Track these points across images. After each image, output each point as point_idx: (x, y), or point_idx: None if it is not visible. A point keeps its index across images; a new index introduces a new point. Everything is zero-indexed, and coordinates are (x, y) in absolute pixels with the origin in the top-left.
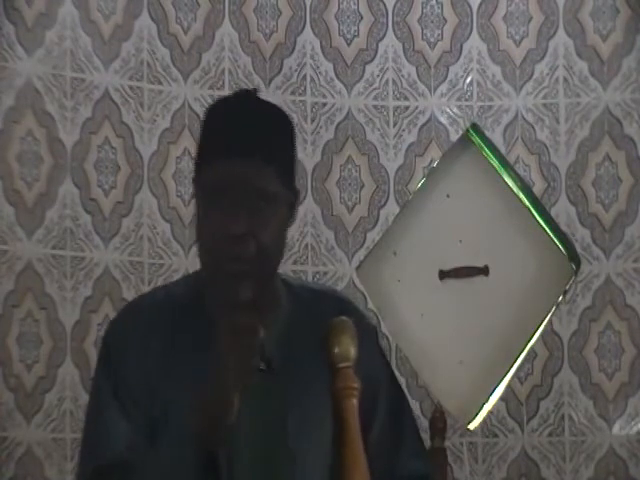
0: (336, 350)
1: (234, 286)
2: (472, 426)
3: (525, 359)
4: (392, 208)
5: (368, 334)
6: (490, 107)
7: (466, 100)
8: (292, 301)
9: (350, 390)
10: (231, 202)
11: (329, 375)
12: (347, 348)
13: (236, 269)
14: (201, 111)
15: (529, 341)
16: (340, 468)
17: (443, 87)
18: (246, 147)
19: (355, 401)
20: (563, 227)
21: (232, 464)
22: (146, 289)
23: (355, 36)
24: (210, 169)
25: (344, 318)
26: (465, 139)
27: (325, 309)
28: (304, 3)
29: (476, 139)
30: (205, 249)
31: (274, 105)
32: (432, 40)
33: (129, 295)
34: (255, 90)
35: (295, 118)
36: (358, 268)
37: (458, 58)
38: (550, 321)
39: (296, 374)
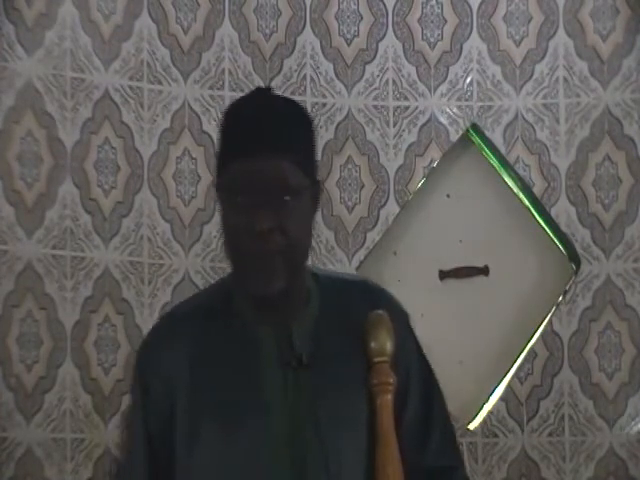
0: (372, 345)
1: (262, 283)
2: (472, 426)
3: (525, 359)
4: (392, 208)
5: (400, 321)
6: (490, 107)
7: (466, 100)
8: (322, 294)
9: (385, 385)
10: (256, 198)
11: (364, 370)
12: (383, 343)
13: (262, 266)
14: (201, 111)
15: (529, 341)
16: (374, 465)
17: (443, 87)
18: (268, 142)
19: (390, 396)
20: (563, 227)
21: (268, 465)
22: (146, 289)
23: (355, 36)
24: (233, 167)
25: (380, 312)
26: (465, 139)
27: (355, 301)
28: (304, 3)
29: (476, 139)
30: (231, 247)
31: (291, 99)
32: (432, 40)
33: (129, 295)
34: (270, 88)
35: None
36: (358, 268)
37: (458, 58)
38: (550, 321)
39: (327, 369)
